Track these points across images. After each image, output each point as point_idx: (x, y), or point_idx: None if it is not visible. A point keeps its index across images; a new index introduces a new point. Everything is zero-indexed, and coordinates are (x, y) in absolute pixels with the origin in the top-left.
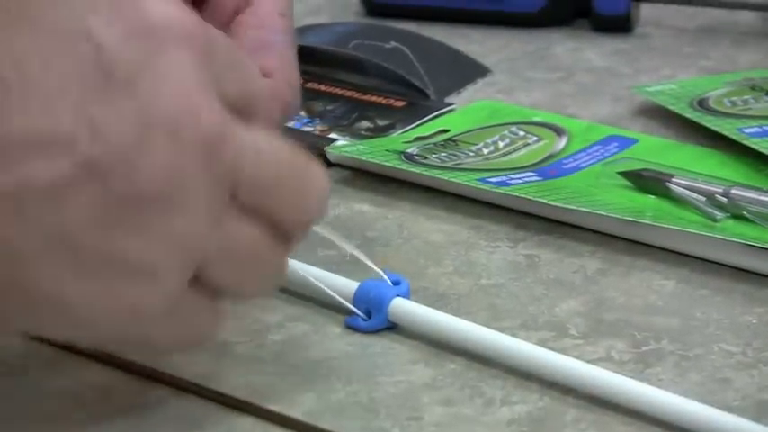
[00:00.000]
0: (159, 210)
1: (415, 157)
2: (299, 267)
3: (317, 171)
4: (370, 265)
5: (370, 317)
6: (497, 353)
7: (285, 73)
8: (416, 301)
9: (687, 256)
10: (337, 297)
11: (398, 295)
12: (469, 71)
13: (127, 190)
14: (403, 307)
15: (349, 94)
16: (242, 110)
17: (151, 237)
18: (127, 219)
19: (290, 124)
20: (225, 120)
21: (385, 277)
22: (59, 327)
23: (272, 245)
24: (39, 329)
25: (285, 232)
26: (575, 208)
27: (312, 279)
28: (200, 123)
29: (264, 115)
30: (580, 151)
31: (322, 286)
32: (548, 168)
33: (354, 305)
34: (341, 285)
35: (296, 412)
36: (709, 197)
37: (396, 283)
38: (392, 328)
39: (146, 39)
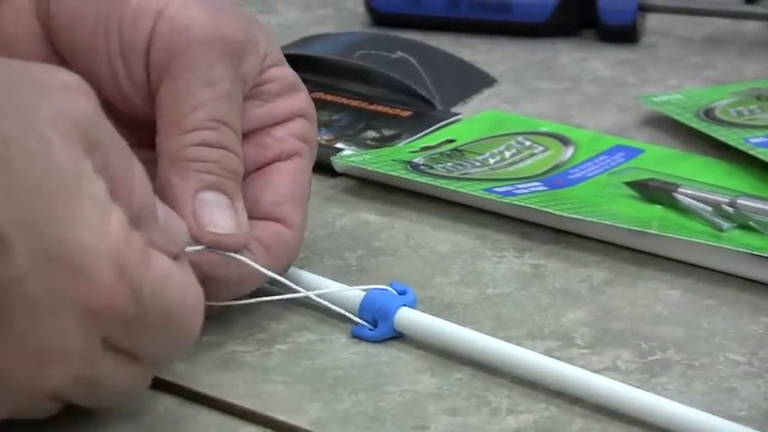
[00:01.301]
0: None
1: (422, 167)
2: (306, 277)
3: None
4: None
5: (377, 326)
6: (503, 362)
7: (301, 232)
8: (422, 311)
9: (693, 265)
10: (341, 310)
11: (404, 305)
12: (476, 81)
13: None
14: (409, 316)
15: (355, 103)
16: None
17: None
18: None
19: None
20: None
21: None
22: None
23: (136, 373)
24: None
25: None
26: (581, 218)
27: (317, 290)
28: (91, 292)
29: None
30: (586, 161)
31: (324, 302)
32: (554, 178)
33: (360, 315)
34: (347, 295)
35: (302, 422)
36: (716, 207)
37: (402, 293)
38: (398, 337)
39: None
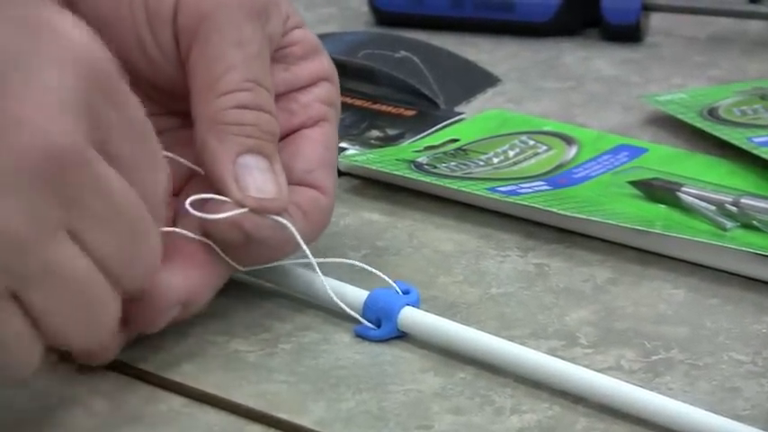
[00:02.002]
0: None
1: (425, 167)
2: (310, 276)
3: (154, 237)
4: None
5: (380, 326)
6: (507, 362)
7: (333, 199)
8: (426, 311)
9: (697, 265)
10: (346, 309)
11: (408, 304)
12: (479, 80)
13: None
14: (412, 316)
15: (359, 103)
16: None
17: None
18: None
19: None
20: (82, 148)
21: (393, 285)
22: None
23: (104, 289)
24: None
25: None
26: (584, 217)
27: (322, 288)
28: (49, 137)
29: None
30: (590, 160)
31: (333, 296)
32: (557, 177)
33: (364, 314)
34: (351, 294)
35: (306, 421)
36: (719, 206)
37: (405, 293)
38: (402, 336)
39: (41, 41)
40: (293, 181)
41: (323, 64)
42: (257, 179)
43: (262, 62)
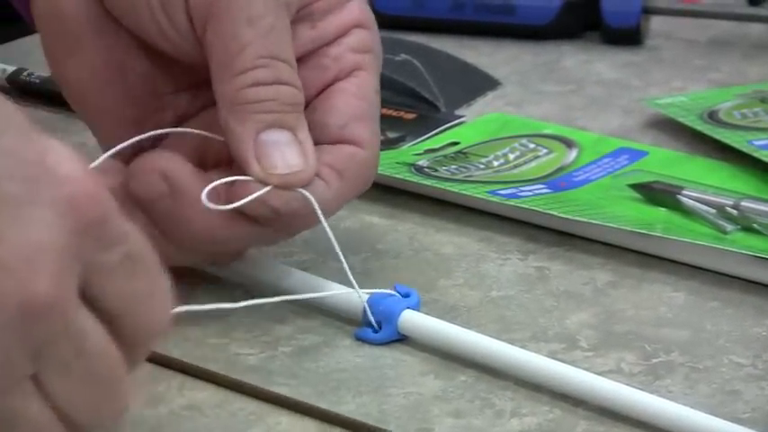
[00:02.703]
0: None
1: (426, 170)
2: (311, 280)
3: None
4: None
5: (381, 329)
6: (507, 365)
7: (375, 150)
8: (426, 314)
9: (697, 268)
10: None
11: (408, 307)
12: (479, 83)
13: None
14: (413, 319)
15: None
16: (118, 324)
17: None
18: None
19: None
20: (59, 295)
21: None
22: None
23: (113, 360)
24: None
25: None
26: (585, 220)
27: (320, 292)
28: (27, 285)
29: (141, 353)
30: (590, 164)
31: (333, 291)
32: (558, 181)
33: (364, 317)
34: (351, 298)
35: (306, 425)
36: (720, 209)
37: (405, 296)
38: (402, 340)
39: (24, 183)
40: (329, 138)
41: (351, 12)
42: (280, 154)
43: (277, 34)
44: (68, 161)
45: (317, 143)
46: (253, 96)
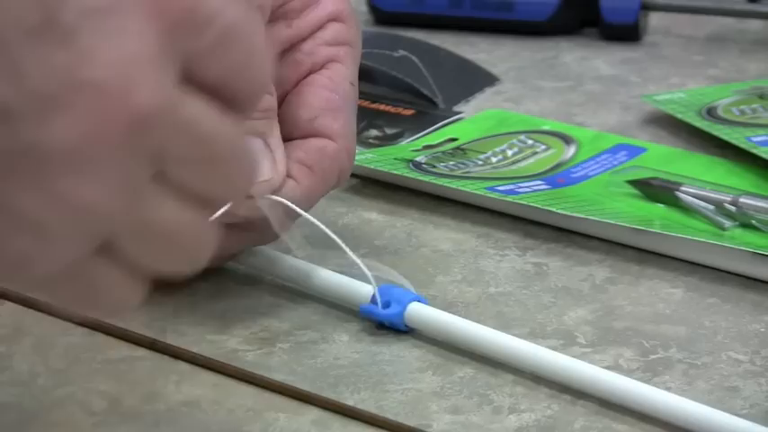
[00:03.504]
0: (65, 172)
1: (424, 166)
2: (314, 268)
3: (250, 158)
4: (367, 273)
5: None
6: (517, 359)
7: (348, 140)
8: None
9: (696, 264)
10: (366, 272)
11: (417, 301)
12: (478, 80)
13: (33, 141)
14: (420, 310)
15: (357, 102)
16: (223, 95)
17: (48, 196)
18: (27, 171)
19: None
20: (163, 99)
21: (406, 282)
22: None
23: (198, 227)
24: None
25: (212, 208)
26: (583, 216)
27: (331, 276)
28: (130, 98)
29: (252, 104)
30: (589, 160)
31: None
32: (556, 177)
33: (373, 298)
34: (358, 288)
35: (304, 420)
36: (718, 206)
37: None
38: (400, 336)
39: None
40: (300, 133)
41: (326, 8)
42: None
43: None
44: None
45: (288, 138)
46: None
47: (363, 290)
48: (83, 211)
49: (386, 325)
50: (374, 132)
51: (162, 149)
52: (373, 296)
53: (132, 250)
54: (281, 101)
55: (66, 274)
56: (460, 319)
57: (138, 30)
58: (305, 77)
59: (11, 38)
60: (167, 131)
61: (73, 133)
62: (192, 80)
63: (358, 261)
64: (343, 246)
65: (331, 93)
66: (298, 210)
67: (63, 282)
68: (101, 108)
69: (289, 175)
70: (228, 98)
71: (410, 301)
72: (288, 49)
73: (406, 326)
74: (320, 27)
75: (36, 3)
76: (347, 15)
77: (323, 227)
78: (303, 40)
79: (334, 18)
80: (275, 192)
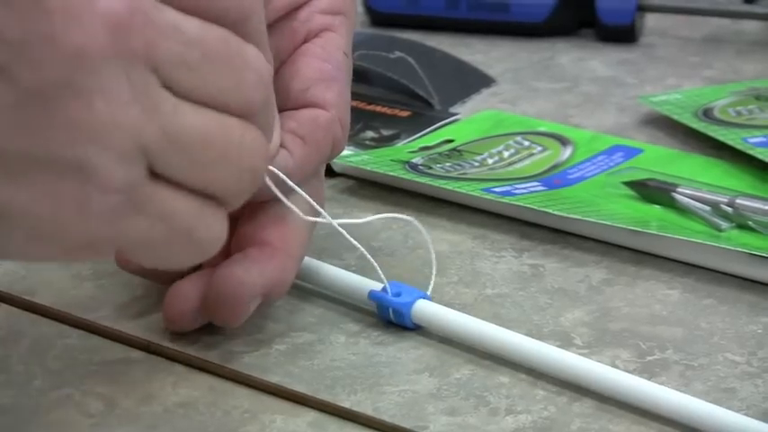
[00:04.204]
0: (73, 98)
1: (420, 167)
2: (321, 265)
3: (250, 52)
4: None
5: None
6: (527, 357)
7: (341, 110)
8: None
9: (692, 265)
10: (375, 267)
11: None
12: (474, 81)
13: (33, 83)
14: (427, 308)
15: (354, 104)
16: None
17: (72, 128)
18: (43, 113)
19: None
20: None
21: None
22: (14, 243)
23: (230, 129)
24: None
25: (237, 116)
26: (579, 218)
27: (336, 273)
28: (99, 3)
29: (245, 30)
30: (585, 161)
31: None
32: (552, 178)
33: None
34: (366, 283)
35: (300, 422)
36: (714, 207)
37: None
38: (398, 337)
39: None
40: (293, 103)
41: None
42: None
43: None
44: None
45: (281, 109)
46: None
47: (371, 285)
48: (107, 130)
49: (390, 320)
50: (370, 134)
51: (152, 48)
52: (384, 287)
53: (177, 164)
54: (277, 71)
55: (135, 208)
56: (468, 316)
57: None
58: (299, 47)
59: None
60: (151, 33)
61: (61, 58)
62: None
63: (364, 251)
64: (350, 238)
65: (324, 62)
66: (290, 182)
67: (133, 221)
68: (74, 22)
69: (282, 146)
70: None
71: (419, 297)
72: (284, 16)
73: (412, 322)
74: None
75: None
76: None
77: (328, 216)
78: (299, 7)
79: None
80: (269, 160)
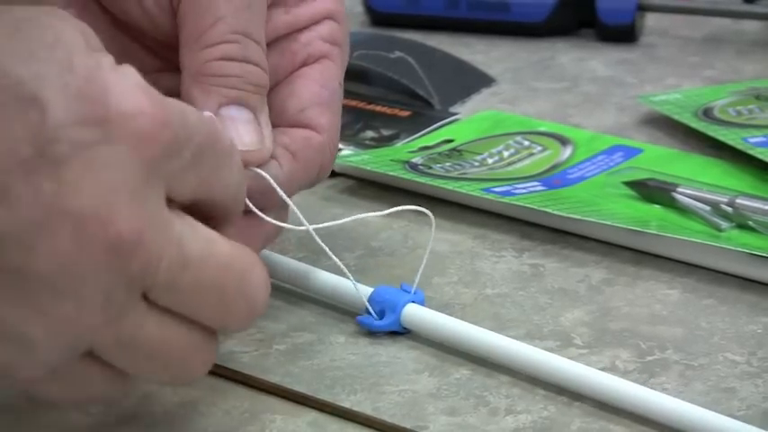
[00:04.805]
0: (49, 292)
1: (420, 167)
2: (312, 271)
3: (256, 279)
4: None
5: (384, 318)
6: (516, 361)
7: (332, 137)
8: None
9: (692, 265)
10: (357, 289)
11: (413, 302)
12: (474, 81)
13: (19, 264)
14: (416, 312)
15: (354, 103)
16: (204, 210)
17: (33, 313)
18: (13, 289)
19: None
20: (144, 227)
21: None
22: None
23: (187, 344)
24: None
25: (209, 329)
26: (579, 218)
27: (326, 280)
28: (110, 228)
29: (231, 215)
30: (585, 161)
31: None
32: (552, 178)
33: (368, 307)
34: (353, 289)
35: (300, 422)
36: (714, 207)
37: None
38: (397, 336)
39: (96, 126)
40: (286, 122)
41: (325, 3)
42: (239, 130)
43: (252, 13)
44: (131, 91)
45: (274, 126)
46: (219, 70)
47: (361, 292)
48: (64, 326)
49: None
50: (370, 134)
51: (147, 273)
52: (369, 302)
53: (117, 361)
54: (272, 88)
55: (51, 377)
56: (457, 320)
57: (122, 161)
58: (297, 69)
59: (4, 168)
60: (149, 259)
61: (56, 258)
62: (175, 197)
63: (346, 272)
64: (325, 246)
65: (321, 88)
66: (277, 189)
67: (49, 382)
68: (81, 235)
69: (272, 157)
70: (208, 209)
71: (405, 304)
72: (283, 37)
73: (403, 327)
74: (317, 21)
75: (30, 136)
76: (342, 17)
77: (313, 233)
78: (300, 30)
79: (330, 16)
80: (260, 166)
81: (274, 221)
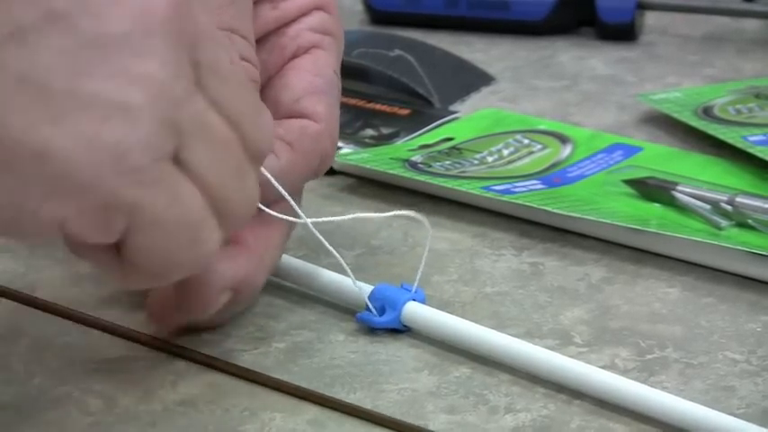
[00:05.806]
0: (129, 52)
1: (420, 166)
2: (313, 268)
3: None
4: (348, 272)
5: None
6: (517, 359)
7: (331, 125)
8: None
9: (692, 264)
10: (358, 287)
11: (414, 300)
12: (474, 79)
13: (95, 31)
14: (416, 310)
15: (353, 102)
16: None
17: (125, 79)
18: (97, 61)
19: None
20: None
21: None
22: (41, 187)
23: (243, 162)
24: (22, 194)
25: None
26: (579, 216)
27: (326, 278)
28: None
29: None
30: (585, 159)
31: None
32: (552, 176)
33: (368, 304)
34: (353, 286)
35: (300, 420)
36: (714, 205)
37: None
38: (397, 335)
39: None
40: (282, 114)
41: None
42: None
43: (236, 9)
44: None
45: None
46: None
47: (362, 290)
48: (152, 84)
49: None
50: (370, 132)
51: (200, 41)
52: (370, 299)
53: (202, 159)
54: (264, 85)
55: (157, 179)
56: (457, 318)
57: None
58: (288, 62)
59: None
60: (201, 23)
61: (124, 15)
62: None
63: (346, 268)
64: (326, 243)
65: (314, 76)
66: (274, 182)
67: (159, 198)
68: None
69: None
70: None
71: (406, 302)
72: (272, 32)
73: (403, 325)
74: (306, 13)
75: None
76: (332, 7)
77: (292, 202)
78: (288, 23)
79: (319, 7)
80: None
81: (272, 213)
